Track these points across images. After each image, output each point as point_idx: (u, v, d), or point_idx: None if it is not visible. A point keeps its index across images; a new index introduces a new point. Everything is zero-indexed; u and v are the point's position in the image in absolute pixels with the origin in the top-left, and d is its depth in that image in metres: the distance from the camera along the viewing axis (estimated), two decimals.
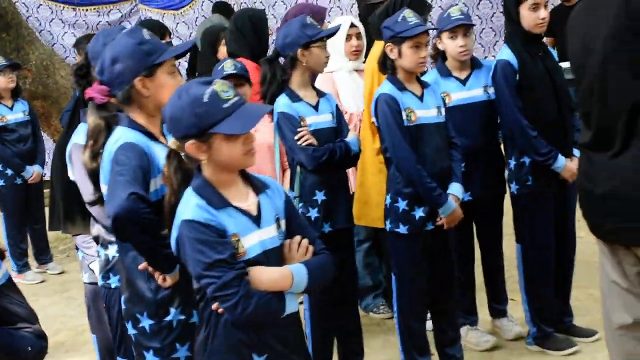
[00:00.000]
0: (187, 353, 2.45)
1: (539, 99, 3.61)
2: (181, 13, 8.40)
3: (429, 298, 3.55)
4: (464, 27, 3.67)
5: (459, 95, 3.77)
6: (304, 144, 3.37)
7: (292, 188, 3.52)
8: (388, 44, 3.35)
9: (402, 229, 3.39)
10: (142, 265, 2.41)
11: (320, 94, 3.58)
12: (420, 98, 3.40)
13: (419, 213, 3.36)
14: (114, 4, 8.46)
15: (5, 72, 5.61)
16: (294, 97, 3.46)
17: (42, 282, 5.98)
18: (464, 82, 3.78)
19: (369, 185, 3.95)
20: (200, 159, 2.07)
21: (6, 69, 5.59)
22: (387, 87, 3.38)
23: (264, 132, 3.75)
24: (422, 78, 3.68)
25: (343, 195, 3.57)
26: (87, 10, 8.33)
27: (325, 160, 3.38)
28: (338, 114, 3.60)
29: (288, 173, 3.73)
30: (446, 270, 3.52)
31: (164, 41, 5.34)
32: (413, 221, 3.37)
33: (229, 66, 3.73)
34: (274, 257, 2.15)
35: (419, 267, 3.43)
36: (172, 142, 2.11)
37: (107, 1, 8.44)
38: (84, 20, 8.36)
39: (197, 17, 8.41)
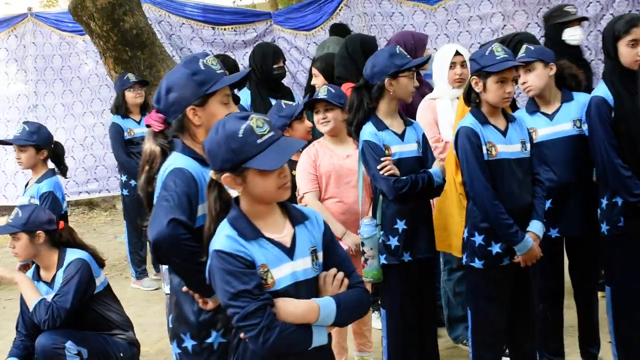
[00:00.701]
0: None
1: (635, 137, 3.48)
2: (313, 34, 8.64)
3: (507, 336, 3.52)
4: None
5: (546, 130, 3.70)
6: (386, 174, 3.45)
7: (374, 215, 3.60)
8: (473, 76, 3.36)
9: (478, 264, 3.38)
10: (185, 287, 2.53)
11: (407, 122, 3.64)
12: (504, 132, 3.37)
13: (496, 249, 3.33)
14: (250, 24, 8.82)
15: (134, 88, 6.04)
16: (380, 126, 3.53)
17: (157, 289, 6.29)
18: (551, 117, 3.71)
19: (448, 213, 3.94)
20: (236, 191, 2.17)
21: (135, 85, 6.03)
22: (469, 120, 3.38)
23: (349, 163, 3.85)
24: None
25: (425, 225, 3.61)
26: (225, 29, 8.75)
27: (407, 191, 3.44)
28: (424, 143, 3.64)
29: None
30: (525, 309, 3.46)
31: (276, 65, 5.61)
32: (489, 256, 3.35)
33: (322, 91, 3.88)
34: (307, 288, 2.20)
35: (495, 302, 3.40)
36: (212, 172, 2.21)
37: (244, 21, 8.82)
38: (221, 39, 8.78)
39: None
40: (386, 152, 3.50)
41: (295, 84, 8.44)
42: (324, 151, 3.91)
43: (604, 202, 3.60)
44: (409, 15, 8.35)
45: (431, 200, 3.89)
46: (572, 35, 4.80)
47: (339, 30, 7.53)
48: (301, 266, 2.20)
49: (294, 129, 4.03)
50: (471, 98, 3.41)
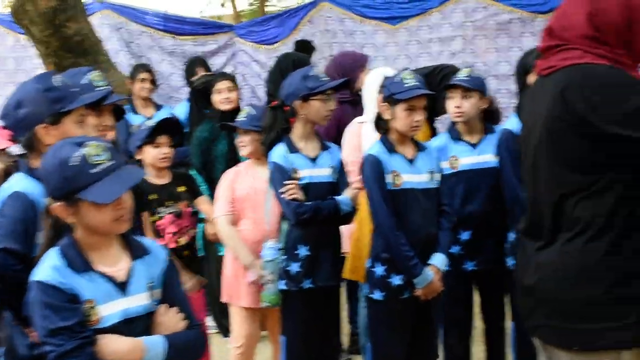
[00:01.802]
0: None
1: None
2: (274, 48, 8.55)
3: None
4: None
5: (470, 159, 3.62)
6: (288, 197, 3.35)
7: (279, 239, 3.50)
8: (383, 103, 3.28)
9: (378, 295, 3.28)
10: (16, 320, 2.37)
11: (324, 146, 3.54)
12: (412, 161, 3.29)
13: (396, 280, 3.24)
14: (211, 35, 8.72)
15: None
16: (292, 148, 3.43)
17: None
18: (475, 146, 3.63)
19: (364, 242, 3.84)
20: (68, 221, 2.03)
21: None
22: (375, 149, 3.29)
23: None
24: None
25: (329, 253, 3.49)
26: (185, 39, 8.66)
27: (309, 217, 3.34)
28: (340, 169, 3.54)
29: None
30: (426, 341, 3.37)
31: (194, 77, 5.47)
32: (389, 288, 3.25)
33: (242, 114, 3.77)
34: (140, 326, 2.06)
35: (395, 334, 3.31)
36: (48, 199, 2.07)
37: (205, 32, 8.70)
38: (181, 49, 8.64)
39: None
40: (294, 175, 3.40)
41: (254, 98, 8.34)
42: (245, 173, 3.79)
43: (512, 235, 3.51)
44: (370, 34, 8.30)
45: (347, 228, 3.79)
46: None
47: (304, 46, 7.44)
48: (135, 302, 2.06)
49: (145, 152, 3.72)
50: (380, 125, 3.32)
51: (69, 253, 2.02)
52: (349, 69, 4.31)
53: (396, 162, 3.25)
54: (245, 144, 3.72)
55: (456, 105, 3.61)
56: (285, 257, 3.44)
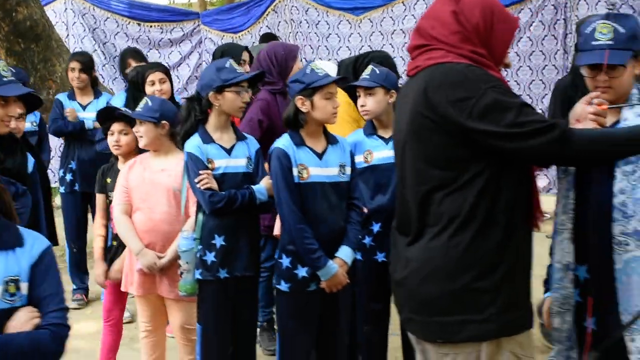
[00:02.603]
0: None
1: None
2: (239, 37, 8.59)
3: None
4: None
5: (382, 153, 3.63)
6: (203, 187, 3.38)
7: (195, 229, 3.53)
8: (298, 97, 3.27)
9: (284, 286, 3.30)
10: None
11: (240, 137, 3.57)
12: (321, 155, 3.31)
13: (302, 272, 3.26)
14: (177, 22, 8.76)
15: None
16: (207, 139, 3.44)
17: None
18: (387, 140, 3.65)
19: None
20: None
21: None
22: (282, 142, 3.30)
23: (161, 177, 3.71)
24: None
25: (246, 242, 3.49)
26: (151, 26, 8.68)
27: (223, 206, 3.36)
28: (256, 159, 3.57)
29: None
30: (333, 334, 3.40)
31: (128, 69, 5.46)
32: (295, 280, 3.27)
33: (140, 105, 3.77)
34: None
35: (302, 326, 3.32)
36: None
37: (171, 19, 8.75)
38: (147, 36, 8.70)
39: (253, 42, 8.57)
40: (209, 165, 3.43)
41: None
42: (140, 164, 3.79)
43: None
44: (334, 25, 8.32)
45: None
46: None
47: (268, 38, 7.45)
48: None
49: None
50: (299, 119, 3.31)
51: None
52: (280, 60, 4.32)
53: (304, 155, 3.27)
54: (141, 134, 3.73)
55: (361, 105, 3.64)
56: (201, 247, 3.46)
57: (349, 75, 4.01)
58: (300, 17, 8.36)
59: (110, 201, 3.93)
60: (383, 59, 4.11)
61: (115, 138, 3.93)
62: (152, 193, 3.69)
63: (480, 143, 2.10)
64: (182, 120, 3.54)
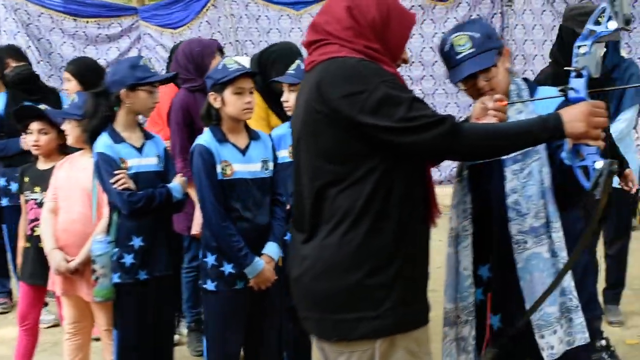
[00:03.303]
0: None
1: None
2: (179, 32, 8.45)
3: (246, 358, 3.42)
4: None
5: None
6: (120, 187, 3.30)
7: (108, 232, 3.44)
8: (211, 93, 3.23)
9: (210, 286, 3.23)
10: None
11: (148, 136, 3.50)
12: (244, 151, 3.26)
13: (228, 269, 3.20)
14: (115, 17, 8.58)
15: None
16: (117, 138, 3.36)
17: None
18: None
19: None
20: None
21: None
22: (204, 138, 3.23)
23: (81, 177, 3.62)
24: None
25: (164, 242, 3.44)
26: (87, 22, 8.48)
27: (142, 205, 3.29)
28: (166, 158, 3.51)
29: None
30: (262, 332, 3.36)
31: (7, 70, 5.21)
32: (222, 277, 3.21)
33: None
34: None
35: (229, 325, 3.26)
36: None
37: (108, 15, 8.54)
38: (83, 32, 8.49)
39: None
40: (122, 165, 3.34)
41: None
42: (69, 163, 3.72)
43: None
44: (275, 20, 8.26)
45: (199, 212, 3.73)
46: None
47: None
48: None
49: None
50: (212, 116, 3.27)
51: None
52: (197, 57, 4.26)
53: (227, 152, 3.21)
54: (67, 132, 3.66)
55: (284, 100, 3.59)
56: (118, 249, 3.38)
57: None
58: (241, 12, 8.28)
59: (27, 200, 3.90)
60: (289, 51, 4.06)
61: (35, 137, 3.83)
62: (71, 192, 3.62)
63: (372, 138, 2.06)
64: (88, 116, 3.44)
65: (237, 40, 8.27)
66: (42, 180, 3.83)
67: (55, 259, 3.56)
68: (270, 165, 3.35)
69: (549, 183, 2.45)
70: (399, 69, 2.28)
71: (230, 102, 3.20)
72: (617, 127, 4.64)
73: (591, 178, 2.09)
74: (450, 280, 2.61)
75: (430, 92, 7.89)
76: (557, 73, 4.01)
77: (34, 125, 3.83)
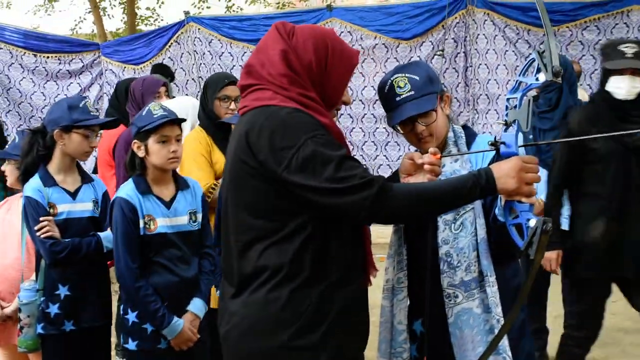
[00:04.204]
0: None
1: None
2: (141, 68, 8.34)
3: None
4: None
5: None
6: (43, 235, 3.13)
7: (36, 279, 3.27)
8: (134, 141, 3.05)
9: (131, 345, 3.01)
10: None
11: (86, 179, 3.33)
12: (169, 204, 3.06)
13: (150, 327, 2.99)
14: (76, 53, 8.44)
15: None
16: (48, 181, 3.20)
17: None
18: None
19: None
20: None
21: None
22: (126, 190, 3.03)
23: (16, 221, 3.46)
24: None
25: (93, 291, 3.26)
26: (48, 57, 8.34)
27: (65, 255, 3.12)
28: (103, 203, 3.32)
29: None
30: None
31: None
32: (144, 336, 3.00)
33: None
34: None
35: None
36: None
37: (70, 50, 8.40)
38: (44, 67, 8.35)
39: None
40: (50, 210, 3.17)
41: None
42: (7, 204, 3.60)
43: None
44: (238, 56, 8.17)
45: None
46: (617, 87, 3.61)
47: (158, 69, 7.27)
48: None
49: None
50: (136, 165, 3.08)
51: None
52: (138, 96, 4.16)
53: (151, 205, 3.02)
54: (7, 173, 3.51)
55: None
56: (44, 298, 3.20)
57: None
58: (204, 49, 8.18)
59: None
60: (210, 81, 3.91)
61: None
62: (7, 236, 3.48)
63: (298, 196, 1.94)
64: (22, 154, 3.28)
65: (199, 77, 8.17)
66: None
67: None
68: (199, 216, 3.16)
69: (483, 235, 2.33)
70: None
71: (154, 151, 3.02)
72: None
73: (525, 237, 1.98)
74: (385, 335, 2.49)
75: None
76: None
77: None
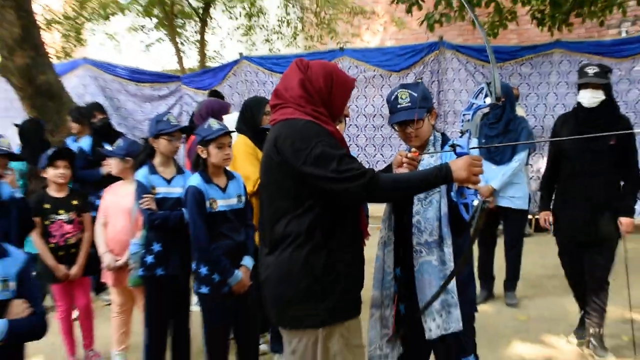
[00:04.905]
0: None
1: None
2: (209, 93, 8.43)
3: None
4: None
5: None
6: (144, 207, 3.24)
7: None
8: (199, 146, 3.09)
9: (204, 290, 3.08)
10: None
11: (180, 171, 3.41)
12: (224, 189, 3.11)
13: (217, 277, 3.06)
14: (164, 83, 8.57)
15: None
16: (152, 170, 3.31)
17: None
18: None
19: None
20: None
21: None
22: (195, 181, 3.06)
23: (122, 201, 3.57)
24: None
25: (177, 249, 3.31)
26: (145, 86, 8.48)
27: (160, 223, 3.22)
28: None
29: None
30: (246, 323, 3.25)
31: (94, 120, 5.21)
32: (212, 284, 3.06)
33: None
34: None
35: (220, 317, 3.12)
36: None
37: (159, 80, 8.54)
38: (142, 93, 8.48)
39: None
40: (151, 191, 3.27)
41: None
42: (113, 189, 3.69)
43: None
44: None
45: None
46: (582, 97, 3.58)
47: (213, 94, 7.30)
48: None
49: (47, 172, 3.70)
50: (199, 163, 3.12)
51: None
52: (216, 112, 4.24)
53: (212, 191, 3.07)
54: (113, 165, 3.65)
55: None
56: (143, 251, 3.32)
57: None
58: (252, 79, 8.25)
59: (52, 221, 3.68)
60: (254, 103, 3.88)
61: (62, 171, 3.69)
62: (116, 212, 3.57)
63: (312, 184, 2.01)
64: (139, 154, 3.41)
65: None
66: (62, 205, 3.69)
67: (106, 259, 3.52)
68: (243, 198, 3.21)
69: (445, 210, 2.35)
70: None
71: (213, 154, 3.07)
72: (513, 165, 4.61)
73: (470, 212, 2.06)
74: (378, 274, 2.53)
75: (387, 136, 7.82)
76: None
77: (61, 162, 3.71)
